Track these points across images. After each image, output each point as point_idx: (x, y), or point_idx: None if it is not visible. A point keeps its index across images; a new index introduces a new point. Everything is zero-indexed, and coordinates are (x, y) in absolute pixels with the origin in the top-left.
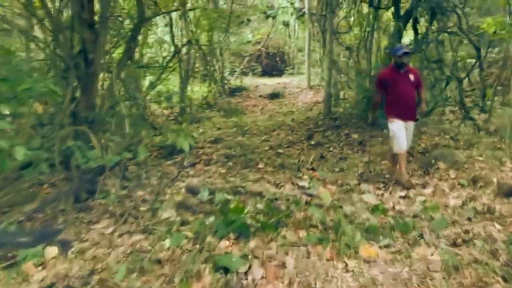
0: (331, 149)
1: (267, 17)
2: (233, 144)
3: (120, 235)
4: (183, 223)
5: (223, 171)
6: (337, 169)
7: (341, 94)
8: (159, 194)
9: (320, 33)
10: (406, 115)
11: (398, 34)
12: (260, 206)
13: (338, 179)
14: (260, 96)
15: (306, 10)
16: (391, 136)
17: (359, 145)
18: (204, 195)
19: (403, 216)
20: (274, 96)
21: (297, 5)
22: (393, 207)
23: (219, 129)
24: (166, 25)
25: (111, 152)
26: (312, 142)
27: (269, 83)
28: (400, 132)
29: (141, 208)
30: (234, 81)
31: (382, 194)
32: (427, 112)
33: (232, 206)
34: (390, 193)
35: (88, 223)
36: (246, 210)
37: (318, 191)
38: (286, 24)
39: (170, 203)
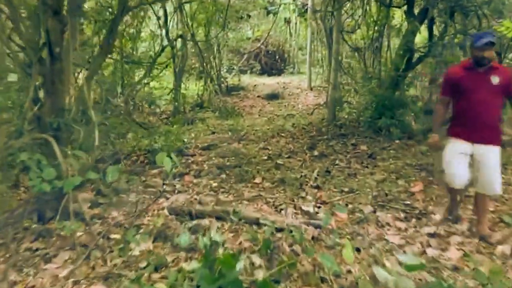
0: (337, 162)
1: (268, 13)
2: (227, 151)
3: (76, 283)
4: (158, 267)
5: (215, 184)
6: (346, 189)
7: (346, 98)
8: (136, 217)
9: (324, 32)
10: (476, 134)
11: (412, 35)
12: (256, 245)
13: (348, 203)
14: (258, 96)
15: (309, 6)
16: (443, 160)
17: (368, 158)
18: (183, 240)
19: (439, 267)
20: (273, 96)
21: (299, 1)
22: (423, 251)
23: (213, 133)
24: (159, 19)
25: (73, 170)
26: (316, 153)
27: (268, 83)
28: (453, 158)
29: (113, 235)
30: (231, 80)
31: (405, 229)
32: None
33: (221, 256)
34: (415, 227)
35: (43, 257)
36: (238, 266)
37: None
38: (288, 21)
39: (148, 230)
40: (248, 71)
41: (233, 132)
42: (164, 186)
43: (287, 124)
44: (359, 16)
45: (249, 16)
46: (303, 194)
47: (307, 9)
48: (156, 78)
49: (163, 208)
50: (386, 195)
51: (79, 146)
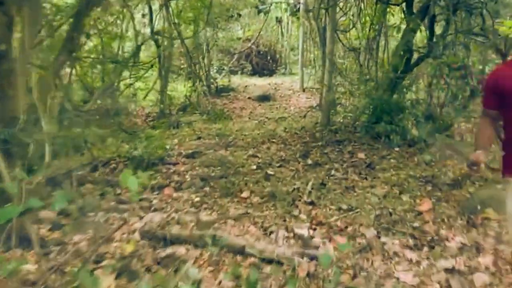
0: (333, 172)
1: (259, 12)
2: (213, 160)
3: None
4: None
5: (197, 199)
6: (344, 206)
7: (341, 100)
8: (101, 243)
9: (317, 31)
10: None
11: (412, 34)
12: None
13: (347, 224)
14: (249, 98)
15: (301, 5)
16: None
17: (367, 167)
18: None
19: None
20: (264, 98)
21: (291, 0)
22: None
23: (199, 138)
24: (144, 16)
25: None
26: (309, 161)
27: (259, 84)
28: None
29: (69, 268)
30: (221, 80)
31: (418, 262)
32: (444, 128)
33: None
34: (428, 258)
35: None
36: None
37: (323, 246)
38: (279, 21)
39: (112, 262)
40: (239, 72)
41: (221, 137)
42: (134, 206)
43: (279, 129)
44: (353, 15)
45: (239, 15)
46: (296, 212)
47: (299, 8)
48: (141, 79)
49: (134, 231)
50: (390, 214)
51: (29, 162)
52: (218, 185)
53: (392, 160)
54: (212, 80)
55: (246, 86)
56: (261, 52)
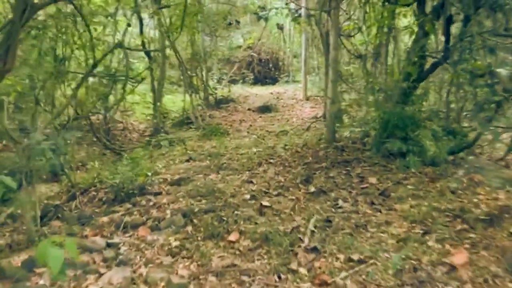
0: (339, 202)
1: (259, 18)
2: (201, 188)
3: None
4: None
5: (176, 243)
6: (354, 254)
7: (347, 111)
8: None
9: (320, 37)
10: None
11: (426, 37)
12: None
13: (360, 285)
14: (249, 109)
15: (303, 10)
16: None
17: (380, 196)
18: None
19: None
20: (265, 109)
21: (292, 5)
22: None
23: (188, 160)
24: (129, 25)
25: None
26: (312, 188)
27: (261, 93)
28: None
29: None
30: (221, 91)
31: None
32: (467, 146)
33: None
34: None
35: None
36: None
37: None
38: (281, 28)
39: None
40: (240, 81)
41: (213, 158)
42: (96, 258)
43: (279, 145)
44: (358, 18)
45: (238, 22)
46: (294, 264)
47: (301, 14)
48: (133, 92)
49: None
50: (415, 269)
51: None
52: (203, 223)
53: (409, 187)
54: (211, 91)
55: (247, 96)
56: (263, 60)
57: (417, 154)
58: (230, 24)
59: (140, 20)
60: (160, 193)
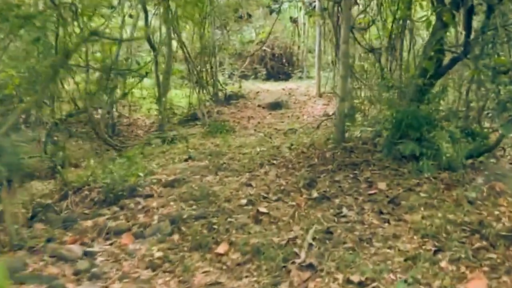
0: (343, 211)
1: (271, 12)
2: (196, 190)
3: None
4: None
5: (159, 254)
6: (355, 277)
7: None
8: None
9: (333, 29)
10: None
11: (443, 30)
12: None
13: None
14: (259, 105)
15: (317, 3)
16: None
17: (389, 204)
18: None
19: None
20: (276, 106)
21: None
22: None
23: (187, 159)
24: (130, 16)
25: None
26: (315, 193)
27: (273, 89)
28: None
29: None
30: (230, 86)
31: None
32: (487, 149)
33: None
34: None
35: None
36: None
37: None
38: (294, 21)
39: None
40: (252, 76)
41: (214, 157)
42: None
43: (285, 145)
44: (372, 9)
45: (249, 16)
46: (285, 285)
47: (315, 6)
48: (135, 86)
49: None
50: None
51: None
52: (191, 231)
53: (422, 194)
54: (220, 87)
55: (258, 92)
56: (276, 55)
57: (432, 158)
58: (241, 17)
59: (145, 11)
60: (151, 196)
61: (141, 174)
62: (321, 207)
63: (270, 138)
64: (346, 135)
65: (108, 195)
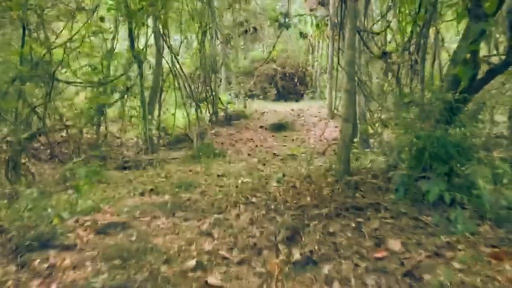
0: (335, 287)
1: (279, 26)
2: (132, 242)
3: None
4: None
5: None
6: None
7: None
8: None
9: (340, 36)
10: None
11: (480, 35)
12: None
13: None
14: (261, 127)
15: (330, 16)
16: None
17: (405, 277)
18: None
19: None
20: (280, 127)
21: (319, 13)
22: None
23: (146, 192)
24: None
25: None
26: (296, 255)
27: (281, 110)
28: None
29: None
30: (232, 105)
31: None
32: None
33: None
34: None
35: None
36: None
37: None
38: (305, 36)
39: None
40: (261, 96)
41: (181, 190)
42: None
43: (276, 176)
44: (387, 10)
45: (255, 30)
46: None
47: (327, 21)
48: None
49: None
50: None
51: None
52: None
53: (455, 264)
54: (222, 106)
55: (263, 112)
56: (288, 74)
57: (469, 204)
58: (246, 32)
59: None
60: (73, 247)
61: (64, 215)
62: (302, 279)
63: (264, 165)
64: (353, 165)
65: (20, 243)
